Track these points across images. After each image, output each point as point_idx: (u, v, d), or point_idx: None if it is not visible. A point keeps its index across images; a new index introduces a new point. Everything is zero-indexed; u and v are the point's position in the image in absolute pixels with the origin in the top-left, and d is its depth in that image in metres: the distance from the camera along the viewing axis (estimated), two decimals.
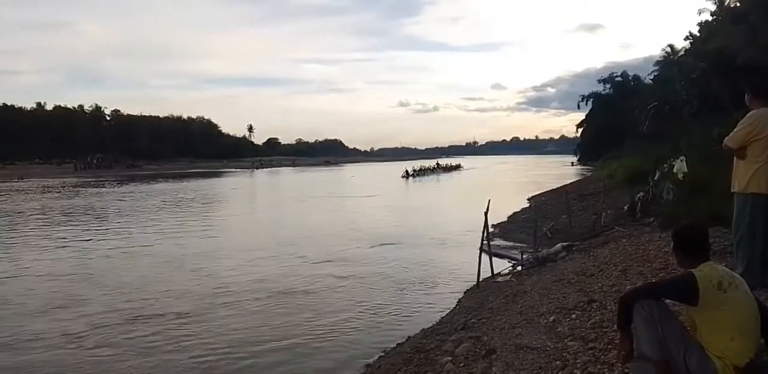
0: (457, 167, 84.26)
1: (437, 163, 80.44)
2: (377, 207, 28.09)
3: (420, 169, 66.76)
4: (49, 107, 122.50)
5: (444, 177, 63.92)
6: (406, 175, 60.75)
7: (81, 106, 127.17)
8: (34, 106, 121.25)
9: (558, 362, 4.35)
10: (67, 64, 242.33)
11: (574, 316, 5.42)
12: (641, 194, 13.46)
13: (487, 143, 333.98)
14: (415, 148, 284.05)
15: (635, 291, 3.19)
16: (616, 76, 71.51)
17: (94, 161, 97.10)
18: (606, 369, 3.87)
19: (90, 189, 46.63)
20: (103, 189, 47.07)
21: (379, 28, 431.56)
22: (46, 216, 25.27)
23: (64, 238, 18.23)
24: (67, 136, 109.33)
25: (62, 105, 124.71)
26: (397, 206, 29.09)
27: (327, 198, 34.67)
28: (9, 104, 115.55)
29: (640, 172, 18.69)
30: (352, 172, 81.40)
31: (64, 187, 49.82)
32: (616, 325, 3.39)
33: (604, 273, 7.08)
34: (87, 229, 20.51)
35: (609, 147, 53.10)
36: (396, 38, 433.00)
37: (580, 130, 79.81)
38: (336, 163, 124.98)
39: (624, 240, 9.74)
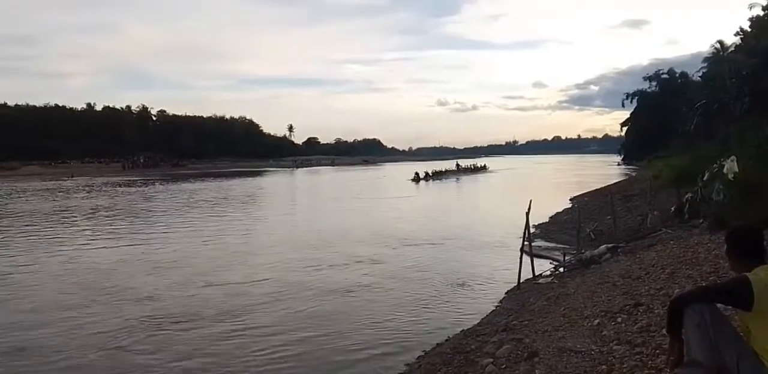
0: (482, 168, 75.34)
1: (457, 164, 71.36)
2: (409, 208, 28.08)
3: (436, 172, 58.68)
4: (98, 108, 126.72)
5: (466, 179, 57.02)
6: (417, 179, 52.85)
7: (128, 107, 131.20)
8: (85, 106, 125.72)
9: (603, 366, 4.27)
10: (115, 66, 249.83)
11: (619, 320, 5.32)
12: (689, 195, 13.08)
13: (527, 142, 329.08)
14: (454, 148, 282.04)
15: (686, 295, 3.10)
16: (663, 73, 69.58)
17: (141, 160, 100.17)
18: None
19: (138, 187, 48.11)
20: (152, 187, 48.60)
21: (418, 27, 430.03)
22: (112, 213, 26.25)
23: (136, 232, 19.17)
24: (115, 136, 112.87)
25: (111, 105, 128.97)
26: (429, 207, 29.00)
27: (361, 199, 34.83)
28: (61, 105, 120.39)
29: (687, 172, 18.08)
30: (385, 172, 78.90)
31: (116, 184, 51.50)
32: (665, 329, 3.31)
33: (650, 276, 6.92)
34: (146, 225, 21.33)
35: (655, 146, 51.66)
36: (435, 37, 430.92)
37: (625, 128, 78.03)
38: (374, 163, 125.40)
39: (672, 242, 9.49)
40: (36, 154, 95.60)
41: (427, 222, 21.88)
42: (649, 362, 4.04)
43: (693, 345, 2.89)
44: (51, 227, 21.13)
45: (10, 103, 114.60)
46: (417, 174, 53.86)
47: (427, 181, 53.05)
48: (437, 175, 58.00)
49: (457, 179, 57.27)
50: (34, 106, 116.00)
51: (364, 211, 26.57)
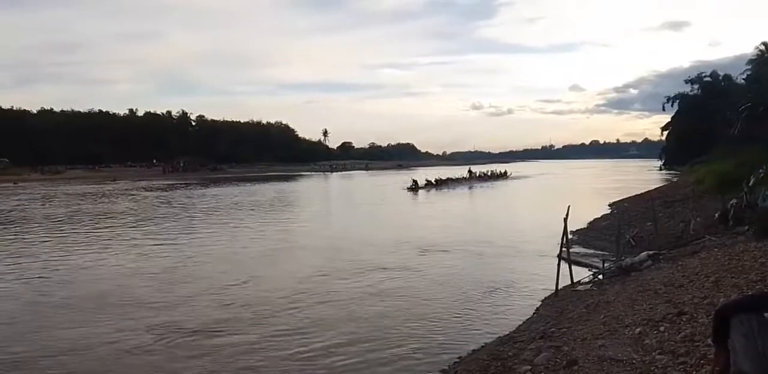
0: (502, 176, 65.03)
1: (469, 171, 60.96)
2: (446, 213, 27.97)
3: (441, 180, 50.69)
4: (140, 113, 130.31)
5: (478, 189, 48.12)
6: (415, 188, 44.79)
7: (169, 112, 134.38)
8: (127, 112, 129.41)
9: None
10: (157, 73, 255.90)
11: (662, 329, 5.22)
12: (734, 201, 12.73)
13: (564, 147, 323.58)
14: (489, 152, 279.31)
15: (733, 304, 3.03)
16: (705, 76, 67.74)
17: (181, 164, 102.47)
18: None
19: (179, 191, 49.33)
20: (192, 190, 49.78)
21: (453, 32, 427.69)
22: (161, 214, 26.99)
23: (188, 233, 19.57)
24: (156, 141, 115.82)
25: (152, 111, 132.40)
26: (462, 212, 28.83)
27: (399, 203, 34.85)
28: (104, 111, 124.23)
29: (732, 177, 17.63)
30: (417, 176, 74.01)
31: (159, 188, 52.76)
32: (710, 339, 3.24)
33: (694, 285, 6.76)
34: (194, 226, 21.84)
35: (697, 151, 50.29)
36: (470, 41, 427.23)
37: (665, 133, 76.10)
38: (407, 167, 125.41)
39: (716, 249, 9.25)
40: (80, 158, 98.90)
41: (462, 226, 21.76)
42: (694, 372, 3.97)
43: (740, 356, 2.82)
44: (105, 228, 21.85)
45: (57, 108, 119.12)
46: (416, 182, 45.98)
47: (428, 190, 45.86)
48: (442, 184, 50.14)
49: (470, 188, 49.60)
50: (79, 112, 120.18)
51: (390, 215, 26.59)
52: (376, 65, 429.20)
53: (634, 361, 4.62)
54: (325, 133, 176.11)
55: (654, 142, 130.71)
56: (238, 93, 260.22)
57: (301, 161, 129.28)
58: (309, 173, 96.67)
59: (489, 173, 64.45)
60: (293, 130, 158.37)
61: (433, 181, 49.66)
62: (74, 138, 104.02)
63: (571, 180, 63.06)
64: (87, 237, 19.78)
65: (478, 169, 65.64)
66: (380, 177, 69.57)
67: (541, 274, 11.97)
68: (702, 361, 4.08)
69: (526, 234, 18.43)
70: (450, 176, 54.07)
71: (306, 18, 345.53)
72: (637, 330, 5.44)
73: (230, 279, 12.44)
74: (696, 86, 67.99)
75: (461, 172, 60.80)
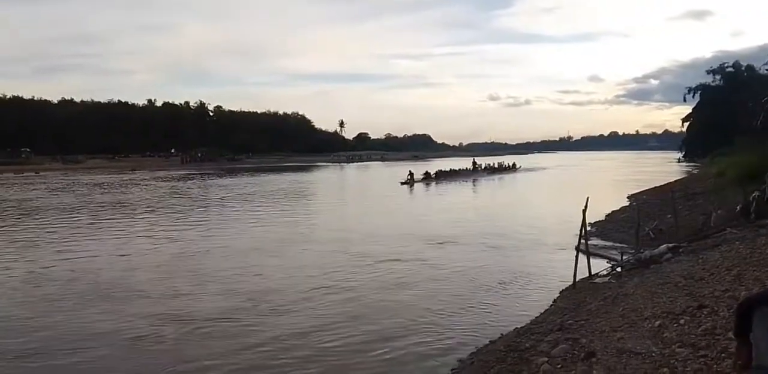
0: (510, 168, 61.90)
1: (474, 163, 58.15)
2: (460, 205, 27.88)
3: (441, 172, 47.91)
4: (158, 104, 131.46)
5: (483, 182, 45.76)
6: (411, 181, 41.23)
7: (187, 103, 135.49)
8: (146, 102, 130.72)
9: (665, 369, 4.18)
10: (175, 64, 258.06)
11: (682, 322, 5.18)
12: (756, 193, 12.53)
13: (582, 138, 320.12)
14: (506, 143, 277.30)
15: (755, 297, 3.00)
16: (727, 67, 66.67)
17: (198, 154, 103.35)
18: None
19: (197, 181, 49.88)
20: (211, 180, 50.43)
21: (469, 21, 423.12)
22: (182, 204, 27.31)
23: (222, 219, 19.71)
24: (174, 131, 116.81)
25: (170, 101, 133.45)
26: (475, 204, 28.72)
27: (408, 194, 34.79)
28: (123, 101, 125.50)
29: (754, 169, 17.34)
30: (430, 167, 63.03)
31: (177, 178, 53.39)
32: (731, 333, 3.22)
33: (715, 278, 6.68)
34: (210, 214, 22.10)
35: (718, 142, 49.50)
36: (487, 31, 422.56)
37: (686, 124, 75.09)
38: (423, 158, 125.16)
39: (737, 242, 9.12)
40: (100, 148, 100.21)
41: (476, 218, 21.71)
42: (714, 366, 3.93)
43: (762, 350, 2.80)
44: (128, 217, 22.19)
45: (77, 98, 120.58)
46: (411, 174, 42.38)
47: (427, 184, 42.74)
48: (443, 177, 47.05)
49: (474, 181, 46.50)
50: (99, 102, 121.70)
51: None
52: (391, 55, 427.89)
53: (653, 354, 4.59)
54: (342, 124, 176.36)
55: (674, 133, 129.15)
56: (254, 84, 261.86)
57: (317, 152, 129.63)
58: (325, 164, 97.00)
59: (496, 165, 61.40)
60: (309, 120, 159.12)
61: (432, 173, 46.64)
62: (94, 128, 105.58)
63: (587, 172, 62.11)
64: (114, 225, 20.07)
65: (484, 161, 62.81)
66: (395, 168, 67.46)
67: (559, 266, 11.93)
68: (723, 355, 4.05)
69: (540, 227, 18.32)
70: (453, 168, 51.73)
71: (321, 8, 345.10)
72: (657, 322, 5.41)
73: (245, 269, 12.58)
74: (718, 77, 66.93)
75: (494, 161, 59.60)
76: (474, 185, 43.12)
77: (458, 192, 36.97)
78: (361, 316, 8.98)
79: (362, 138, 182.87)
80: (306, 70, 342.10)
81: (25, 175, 62.58)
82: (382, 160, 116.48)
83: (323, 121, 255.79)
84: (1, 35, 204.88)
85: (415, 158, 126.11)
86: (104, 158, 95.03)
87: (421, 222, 20.66)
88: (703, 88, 68.06)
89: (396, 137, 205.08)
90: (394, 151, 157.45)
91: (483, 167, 58.96)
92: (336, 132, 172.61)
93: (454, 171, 50.64)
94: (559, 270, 11.51)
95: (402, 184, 40.72)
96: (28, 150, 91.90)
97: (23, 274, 12.20)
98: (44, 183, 46.95)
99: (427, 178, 45.05)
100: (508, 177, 52.87)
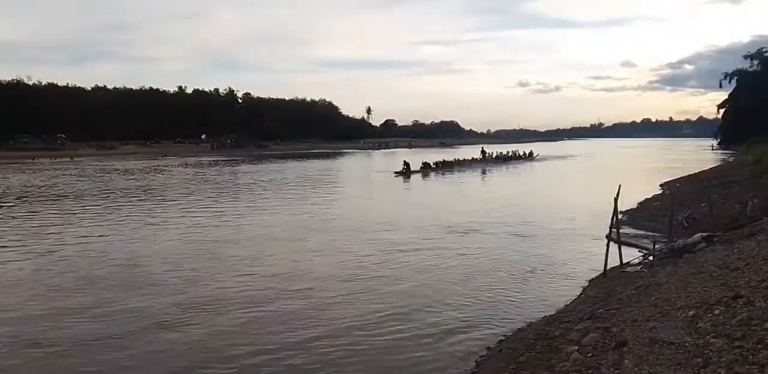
0: (526, 157, 58.08)
1: (482, 151, 53.63)
2: (487, 193, 27.68)
3: (444, 162, 44.48)
4: (188, 91, 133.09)
5: (493, 173, 41.28)
6: (407, 172, 37.84)
7: (216, 90, 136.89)
8: (176, 89, 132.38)
9: (699, 359, 4.13)
10: (205, 51, 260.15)
11: (717, 312, 5.09)
12: None
13: (614, 125, 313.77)
14: (535, 130, 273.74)
15: None
16: (766, 51, 64.48)
17: (228, 141, 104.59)
18: (755, 370, 3.63)
19: (229, 166, 50.64)
20: (241, 166, 51.09)
21: (497, 7, 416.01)
22: (221, 187, 27.80)
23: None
24: (204, 117, 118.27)
25: (200, 88, 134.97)
26: (502, 192, 28.46)
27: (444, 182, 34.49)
28: (154, 88, 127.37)
29: None
30: (459, 154, 56.78)
31: (207, 165, 54.22)
32: None
33: (751, 268, 6.53)
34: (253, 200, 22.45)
35: (755, 129, 48.32)
36: (515, 16, 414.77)
37: (722, 111, 73.30)
38: (451, 145, 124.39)
39: None
40: (132, 134, 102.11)
41: (504, 206, 21.58)
42: (750, 356, 3.87)
43: None
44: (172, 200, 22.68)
45: (110, 86, 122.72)
46: (407, 164, 38.72)
47: (426, 175, 38.99)
48: (445, 167, 43.82)
49: (483, 172, 42.00)
50: (131, 89, 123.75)
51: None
52: (419, 42, 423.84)
53: (686, 344, 4.53)
54: (369, 111, 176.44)
55: (709, 120, 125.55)
56: (282, 71, 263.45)
57: (345, 138, 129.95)
58: (353, 150, 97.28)
59: (510, 153, 57.14)
60: (337, 107, 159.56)
61: (432, 163, 42.79)
62: (127, 114, 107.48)
63: (618, 160, 60.58)
64: (145, 211, 20.53)
65: (499, 150, 59.03)
66: (421, 155, 65.26)
67: (589, 255, 11.83)
68: (759, 346, 3.98)
69: (568, 218, 18.13)
70: (458, 158, 49.05)
71: None
72: (690, 312, 5.33)
73: (279, 256, 12.78)
74: (756, 62, 65.11)
75: (508, 149, 57.48)
76: (482, 178, 38.17)
77: (454, 187, 32.50)
78: (389, 302, 9.03)
79: (389, 125, 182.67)
80: (333, 57, 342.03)
81: (61, 160, 64.25)
82: (410, 146, 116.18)
83: (350, 107, 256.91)
84: (38, 23, 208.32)
85: (443, 145, 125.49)
86: (137, 144, 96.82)
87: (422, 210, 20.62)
88: (740, 74, 66.30)
89: (423, 124, 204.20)
90: (421, 137, 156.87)
91: (494, 156, 55.15)
92: (363, 119, 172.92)
93: (458, 161, 47.70)
94: (589, 260, 11.43)
95: (396, 175, 37.43)
96: (63, 136, 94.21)
97: (50, 260, 12.50)
98: (77, 168, 48.16)
99: (426, 167, 41.45)
100: (522, 167, 48.29)
